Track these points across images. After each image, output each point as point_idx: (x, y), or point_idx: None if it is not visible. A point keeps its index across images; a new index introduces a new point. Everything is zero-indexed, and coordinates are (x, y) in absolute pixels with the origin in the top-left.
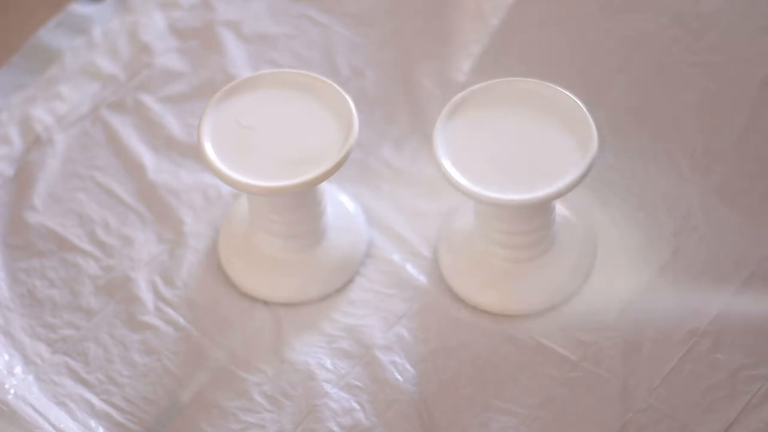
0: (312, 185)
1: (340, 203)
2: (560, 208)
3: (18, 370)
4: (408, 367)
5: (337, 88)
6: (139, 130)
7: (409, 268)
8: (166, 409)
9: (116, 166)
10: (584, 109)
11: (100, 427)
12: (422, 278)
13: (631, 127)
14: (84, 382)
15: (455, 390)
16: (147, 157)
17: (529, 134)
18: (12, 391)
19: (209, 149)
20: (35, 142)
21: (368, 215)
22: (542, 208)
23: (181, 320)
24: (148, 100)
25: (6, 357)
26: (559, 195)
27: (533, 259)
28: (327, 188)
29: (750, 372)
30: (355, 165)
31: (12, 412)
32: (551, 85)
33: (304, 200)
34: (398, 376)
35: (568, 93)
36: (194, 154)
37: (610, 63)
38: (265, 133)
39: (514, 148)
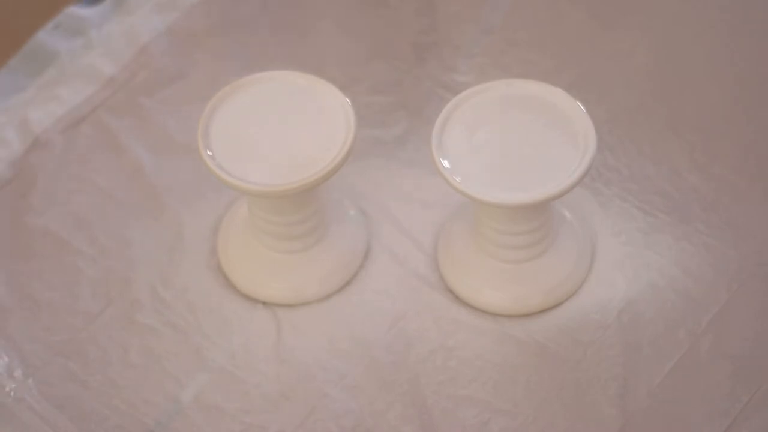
0: (311, 187)
1: (339, 204)
2: (560, 208)
3: (18, 372)
4: (408, 367)
5: (336, 89)
6: (138, 131)
7: (409, 268)
8: (166, 410)
9: (115, 167)
10: (584, 109)
11: (101, 429)
12: (422, 278)
13: (631, 127)
14: (83, 384)
15: (455, 390)
16: (146, 158)
17: (529, 134)
18: (12, 394)
19: (208, 151)
20: (34, 144)
21: (367, 216)
22: (542, 209)
23: (181, 322)
24: (147, 101)
25: (5, 359)
26: (559, 195)
27: (533, 259)
28: (326, 189)
29: (750, 372)
30: (355, 165)
31: (11, 414)
32: (551, 85)
33: (303, 201)
34: (398, 377)
35: (567, 93)
36: (193, 155)
37: (610, 63)
38: (264, 135)
39: (513, 148)
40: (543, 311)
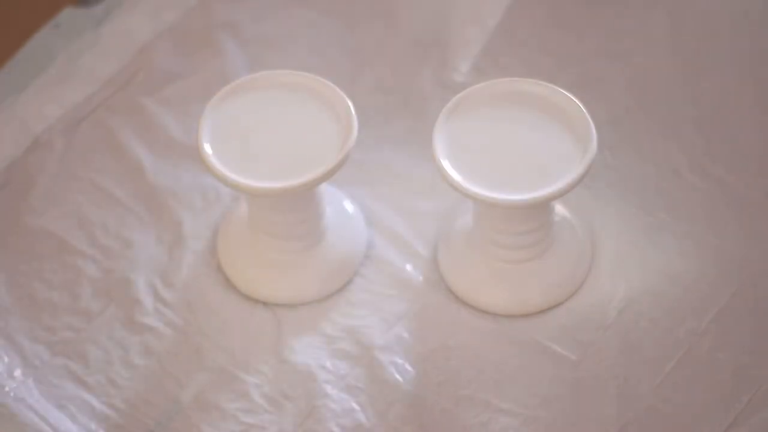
0: (311, 186)
1: (339, 204)
2: (560, 208)
3: (18, 372)
4: (408, 367)
5: (336, 89)
6: (138, 131)
7: (409, 268)
8: (166, 410)
9: (115, 167)
10: (584, 109)
11: (101, 430)
12: (422, 278)
13: (631, 126)
14: (84, 385)
15: (455, 390)
16: (146, 158)
17: (529, 134)
18: (12, 394)
19: (208, 151)
20: (34, 144)
21: (367, 216)
22: (542, 208)
23: (181, 322)
24: (147, 101)
25: (6, 359)
26: (559, 195)
27: (533, 259)
28: (326, 189)
29: (750, 372)
30: (355, 166)
31: (12, 414)
32: (551, 85)
33: (303, 201)
34: (398, 377)
35: (567, 93)
36: (193, 155)
37: (610, 63)
38: (264, 135)
39: (513, 148)
40: (543, 311)
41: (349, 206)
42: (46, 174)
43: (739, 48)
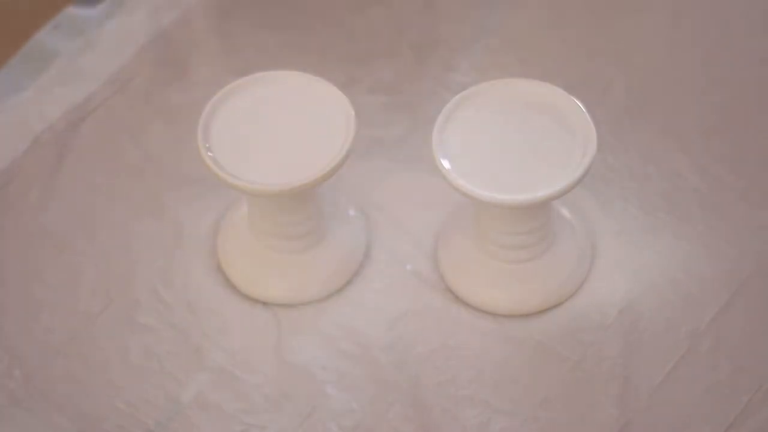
0: (311, 187)
1: (339, 204)
2: (560, 208)
3: (18, 372)
4: (408, 367)
5: (336, 89)
6: (138, 131)
7: (409, 268)
8: (166, 410)
9: (115, 167)
10: (584, 109)
11: (100, 429)
12: (422, 278)
13: (631, 127)
14: (83, 384)
15: (455, 390)
16: (145, 158)
17: (529, 134)
18: (12, 394)
19: (208, 151)
20: (34, 144)
21: (367, 216)
22: (542, 208)
23: (181, 322)
24: (147, 101)
25: (5, 359)
26: (559, 195)
27: (533, 259)
28: (326, 189)
29: (750, 372)
30: (355, 165)
31: (11, 414)
32: (551, 85)
33: (303, 201)
34: (398, 377)
35: (567, 93)
36: (193, 155)
37: (610, 63)
38: (264, 135)
39: (513, 148)
40: (543, 311)
41: (349, 206)
42: (46, 174)
43: (740, 48)
